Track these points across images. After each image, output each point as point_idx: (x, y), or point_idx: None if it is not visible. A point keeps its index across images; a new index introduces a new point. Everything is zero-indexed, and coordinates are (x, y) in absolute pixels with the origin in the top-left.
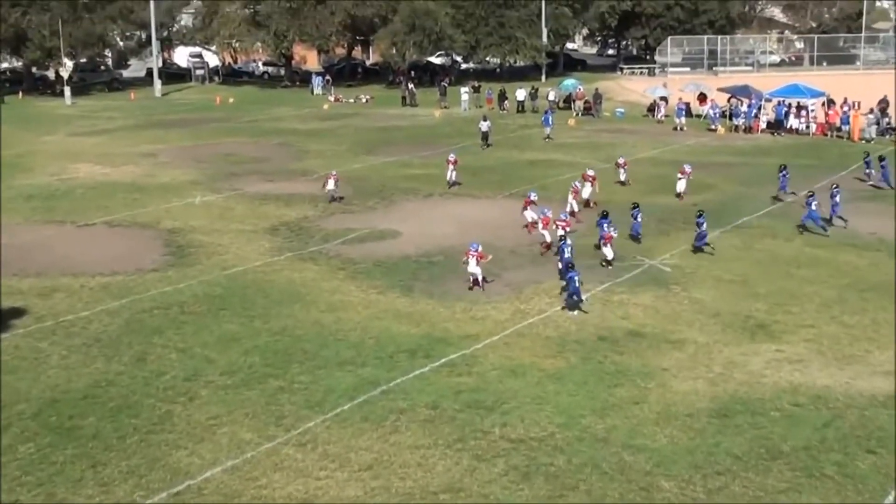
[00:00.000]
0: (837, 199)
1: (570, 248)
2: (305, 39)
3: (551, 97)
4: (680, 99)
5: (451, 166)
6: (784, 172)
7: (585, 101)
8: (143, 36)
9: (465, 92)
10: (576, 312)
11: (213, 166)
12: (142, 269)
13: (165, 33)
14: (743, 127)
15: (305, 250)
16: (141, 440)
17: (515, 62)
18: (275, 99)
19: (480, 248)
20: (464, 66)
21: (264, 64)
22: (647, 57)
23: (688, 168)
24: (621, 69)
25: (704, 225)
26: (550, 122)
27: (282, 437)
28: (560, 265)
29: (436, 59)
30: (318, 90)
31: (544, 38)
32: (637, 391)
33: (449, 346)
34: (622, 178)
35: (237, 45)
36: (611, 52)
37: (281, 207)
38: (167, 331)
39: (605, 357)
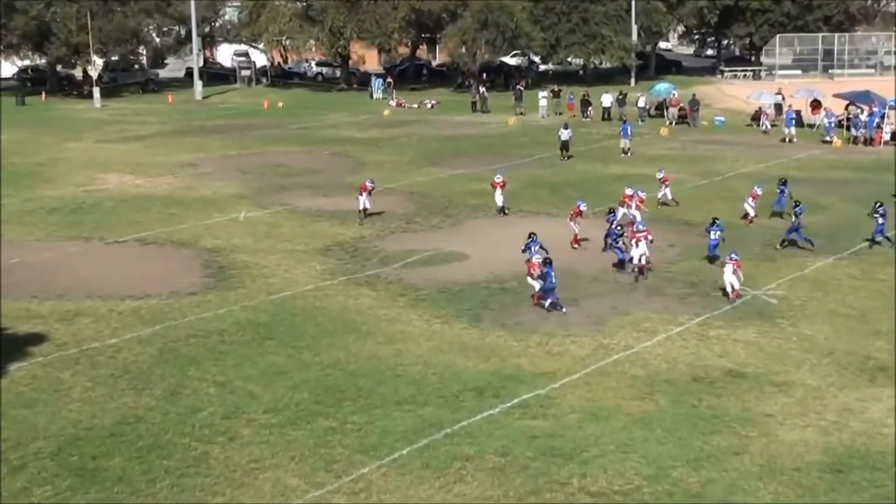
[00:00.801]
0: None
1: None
2: (364, 37)
3: (641, 104)
4: (790, 106)
5: (498, 189)
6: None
7: (680, 109)
8: (183, 32)
9: (543, 97)
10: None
11: (260, 178)
12: (178, 293)
13: (207, 29)
14: (863, 138)
15: (361, 274)
16: (173, 485)
17: (601, 63)
18: (329, 103)
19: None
20: (542, 67)
21: (318, 64)
22: (752, 58)
23: (758, 190)
24: (722, 72)
25: (801, 215)
26: (629, 134)
27: (332, 485)
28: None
29: (510, 60)
30: (377, 94)
31: (634, 37)
32: (737, 440)
33: (522, 384)
34: (662, 196)
35: (287, 42)
36: (710, 52)
37: (335, 225)
38: (205, 362)
39: (700, 400)
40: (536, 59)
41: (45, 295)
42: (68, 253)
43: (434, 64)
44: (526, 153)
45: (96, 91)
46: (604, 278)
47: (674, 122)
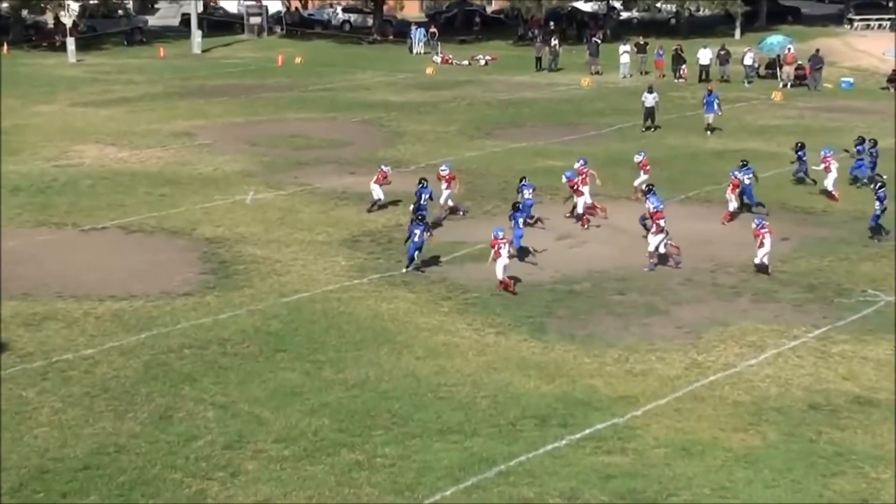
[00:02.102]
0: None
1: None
2: None
3: (748, 61)
4: None
5: (444, 184)
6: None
7: (798, 67)
8: None
9: (625, 51)
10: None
11: (272, 152)
12: (169, 293)
13: None
14: None
15: (397, 271)
16: None
17: (698, 10)
18: (359, 59)
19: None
20: (624, 15)
21: (345, 10)
22: (890, 3)
23: (828, 153)
24: (851, 21)
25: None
26: (716, 108)
27: None
28: None
29: (585, 6)
30: (419, 47)
31: None
32: (865, 483)
33: (595, 411)
34: (639, 184)
35: None
36: None
37: (364, 211)
38: (202, 379)
39: (820, 433)
40: (617, 4)
41: (6, 294)
42: (35, 242)
43: (489, 10)
44: (603, 122)
45: (71, 42)
46: (698, 279)
47: (789, 84)
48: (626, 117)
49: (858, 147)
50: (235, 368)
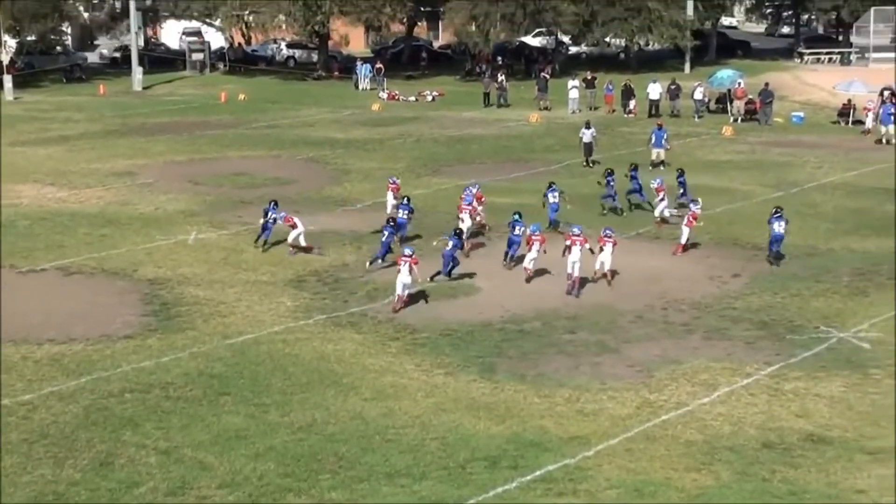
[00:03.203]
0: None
1: None
2: (347, 12)
3: (699, 95)
4: (891, 99)
5: (463, 212)
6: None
7: (748, 102)
8: (118, 5)
9: (573, 87)
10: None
11: (216, 191)
12: (110, 336)
13: (149, 2)
14: None
15: (343, 312)
16: None
17: (648, 44)
18: (304, 95)
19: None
20: (573, 49)
21: (289, 46)
22: (840, 37)
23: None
24: (801, 55)
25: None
26: (664, 143)
27: None
28: None
29: (533, 41)
30: (364, 83)
31: (689, 10)
32: None
33: (546, 452)
34: (660, 212)
35: (251, 18)
36: (786, 30)
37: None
38: (144, 424)
39: (773, 472)
40: (566, 39)
41: None
42: None
43: (436, 45)
44: (552, 159)
45: (8, 80)
46: (649, 317)
47: (740, 119)
48: (576, 153)
49: (608, 178)
50: (178, 412)
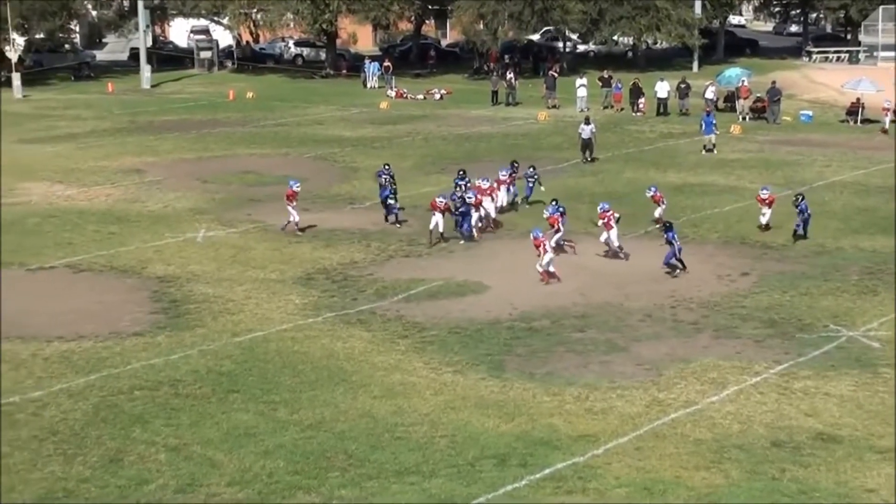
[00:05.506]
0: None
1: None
2: (355, 10)
3: (710, 94)
4: None
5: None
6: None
7: (756, 100)
8: (126, 3)
9: (581, 85)
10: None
11: (224, 189)
12: (119, 333)
13: (157, 0)
14: None
15: (352, 310)
16: None
17: (656, 43)
18: (312, 94)
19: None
20: (581, 48)
21: (297, 44)
22: (848, 36)
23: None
24: (809, 54)
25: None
26: (714, 129)
27: None
28: None
29: (541, 39)
30: (372, 82)
31: (697, 9)
32: None
33: (555, 450)
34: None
35: (259, 16)
36: (794, 28)
37: (318, 248)
38: (153, 421)
39: (783, 471)
40: (574, 37)
41: None
42: None
43: (444, 44)
44: (560, 157)
45: (16, 77)
46: (658, 316)
47: (748, 118)
48: (580, 151)
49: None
50: (187, 410)
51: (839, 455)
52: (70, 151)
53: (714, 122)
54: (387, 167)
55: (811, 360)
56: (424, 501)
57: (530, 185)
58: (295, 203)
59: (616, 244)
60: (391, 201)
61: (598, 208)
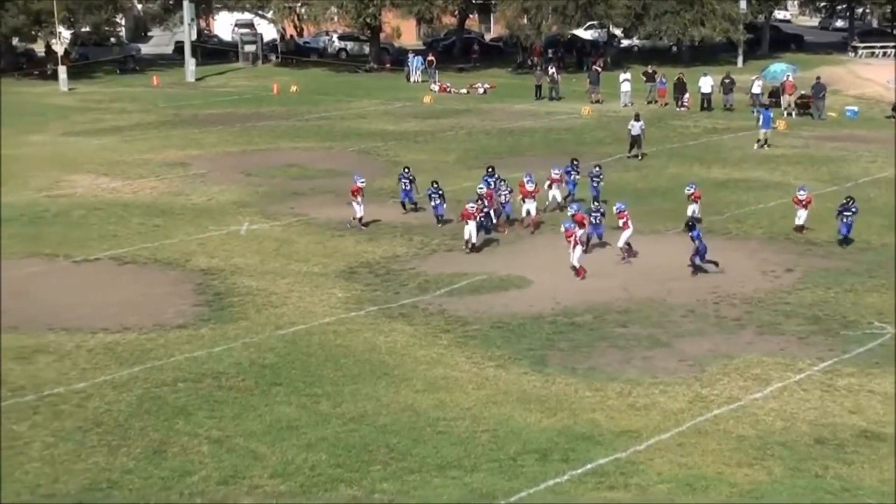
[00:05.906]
0: None
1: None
2: (399, 4)
3: (756, 90)
4: None
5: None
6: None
7: (801, 96)
8: None
9: (625, 79)
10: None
11: (268, 182)
12: (163, 325)
13: None
14: None
15: (395, 304)
16: None
17: (700, 38)
18: (355, 87)
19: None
20: (625, 42)
21: (341, 38)
22: (894, 31)
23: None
24: (855, 49)
25: None
26: (771, 123)
27: None
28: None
29: (585, 33)
30: (416, 76)
31: (743, 4)
32: None
33: (597, 445)
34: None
35: (303, 10)
36: (839, 24)
37: (361, 242)
38: (197, 413)
39: (826, 468)
40: (617, 31)
41: None
42: (26, 274)
43: (488, 38)
44: (604, 152)
45: (62, 71)
46: (701, 312)
47: (793, 113)
48: (628, 147)
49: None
50: (230, 402)
51: (883, 453)
52: (115, 144)
53: (772, 115)
54: (406, 170)
55: (855, 357)
56: (466, 496)
57: (594, 184)
58: (360, 198)
59: (622, 244)
60: (437, 201)
61: (615, 209)
